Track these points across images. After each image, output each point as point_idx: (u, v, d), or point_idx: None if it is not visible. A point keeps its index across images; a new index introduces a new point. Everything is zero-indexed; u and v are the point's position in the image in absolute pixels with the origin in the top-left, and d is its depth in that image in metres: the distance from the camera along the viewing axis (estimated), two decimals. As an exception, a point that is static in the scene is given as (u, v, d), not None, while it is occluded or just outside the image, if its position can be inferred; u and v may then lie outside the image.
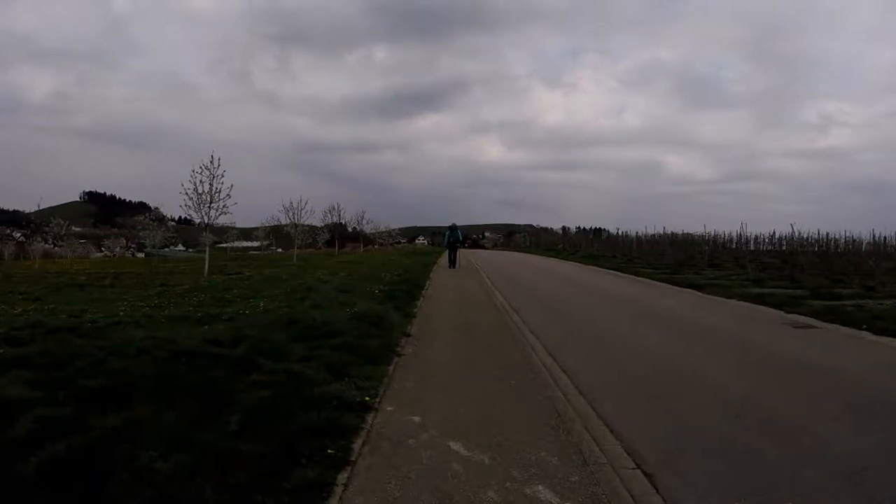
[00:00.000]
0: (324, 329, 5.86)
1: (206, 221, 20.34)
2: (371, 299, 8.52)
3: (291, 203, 29.59)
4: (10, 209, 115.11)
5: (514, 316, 7.89)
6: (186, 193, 19.62)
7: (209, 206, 19.85)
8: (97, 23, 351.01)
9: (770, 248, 45.57)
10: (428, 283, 12.57)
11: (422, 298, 9.58)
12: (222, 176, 19.83)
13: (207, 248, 20.14)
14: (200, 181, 19.67)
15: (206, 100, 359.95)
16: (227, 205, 20.10)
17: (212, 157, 19.63)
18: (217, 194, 19.86)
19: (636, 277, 16.19)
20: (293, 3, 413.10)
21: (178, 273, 22.18)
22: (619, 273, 17.80)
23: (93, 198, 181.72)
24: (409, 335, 6.11)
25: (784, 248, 40.54)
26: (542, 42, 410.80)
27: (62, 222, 41.57)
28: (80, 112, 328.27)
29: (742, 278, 16.88)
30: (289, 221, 29.36)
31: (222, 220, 22.54)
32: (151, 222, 39.59)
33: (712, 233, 42.27)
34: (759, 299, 11.18)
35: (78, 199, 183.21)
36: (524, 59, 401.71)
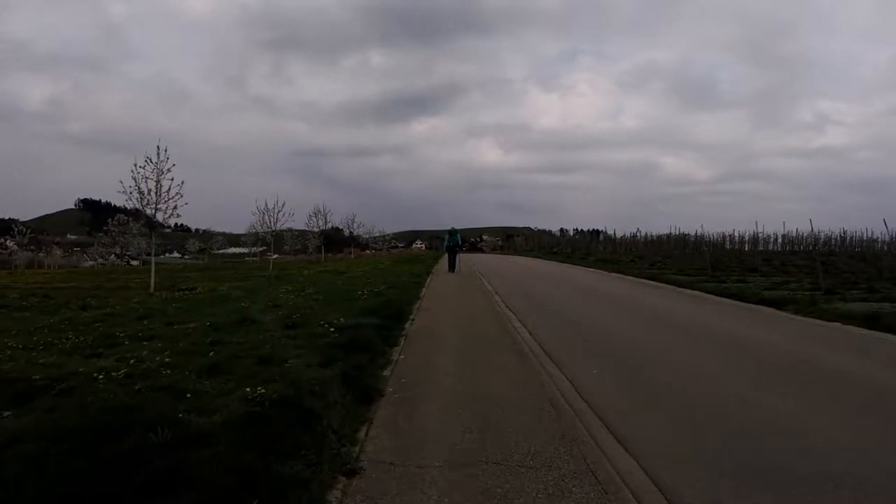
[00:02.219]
0: (151, 474, 2.51)
1: (151, 224, 17.04)
2: (318, 349, 5.17)
3: (266, 205, 26.00)
4: (6, 217, 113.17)
5: (561, 380, 4.50)
6: (127, 192, 16.33)
7: (155, 207, 16.56)
8: (93, 30, 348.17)
9: (782, 247, 42.62)
10: (417, 306, 9.17)
11: (403, 341, 6.15)
12: (170, 171, 16.53)
13: (153, 259, 16.75)
14: (144, 178, 16.40)
15: (203, 106, 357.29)
16: (178, 205, 16.84)
17: (158, 148, 16.33)
18: (166, 193, 16.61)
19: (682, 289, 12.89)
20: (289, 8, 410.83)
21: (124, 288, 18.84)
22: (657, 283, 14.48)
23: (87, 205, 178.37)
24: (353, 471, 2.71)
25: (795, 248, 37.60)
26: (538, 45, 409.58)
27: (24, 229, 38.17)
28: (76, 119, 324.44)
29: (805, 287, 13.65)
30: (263, 227, 25.71)
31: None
32: (115, 230, 35.86)
33: (732, 233, 39.27)
34: (871, 323, 7.98)
35: (73, 207, 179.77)
36: (520, 62, 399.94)
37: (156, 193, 16.20)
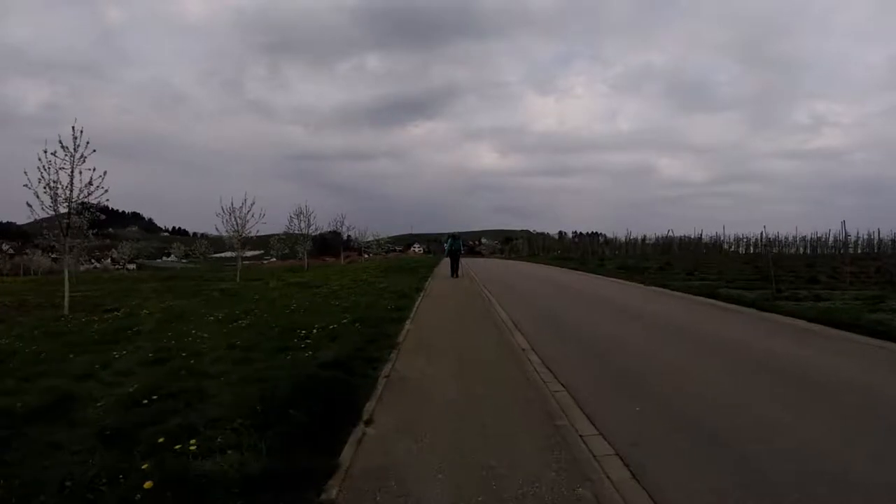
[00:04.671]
0: None
1: (64, 227, 13.53)
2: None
3: (233, 205, 22.44)
4: (4, 221, 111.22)
5: None
6: (30, 187, 12.84)
7: (68, 205, 13.06)
8: (90, 35, 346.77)
9: (807, 250, 39.12)
10: (387, 371, 5.17)
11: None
12: (85, 159, 13.06)
13: (66, 271, 13.24)
14: (56, 168, 12.92)
15: (199, 110, 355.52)
16: (100, 200, 13.39)
17: (73, 129, 12.86)
18: (87, 187, 13.14)
19: (767, 314, 9.37)
20: (284, 13, 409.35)
21: (40, 308, 15.33)
22: (721, 304, 10.95)
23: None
24: None
25: (813, 251, 33.98)
26: (533, 48, 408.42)
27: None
28: (73, 123, 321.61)
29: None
30: (229, 229, 22.18)
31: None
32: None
33: (759, 236, 35.51)
34: None
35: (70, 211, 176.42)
36: (516, 65, 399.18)
37: (69, 188, 12.73)
